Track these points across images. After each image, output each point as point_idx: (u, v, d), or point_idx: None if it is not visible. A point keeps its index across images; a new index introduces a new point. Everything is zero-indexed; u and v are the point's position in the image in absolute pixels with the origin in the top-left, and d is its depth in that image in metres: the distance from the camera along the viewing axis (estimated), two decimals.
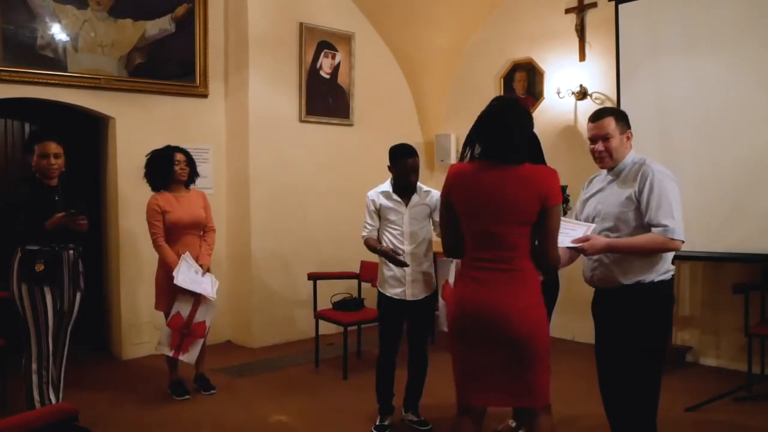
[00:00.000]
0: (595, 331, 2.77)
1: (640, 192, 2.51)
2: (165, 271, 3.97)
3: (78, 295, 3.54)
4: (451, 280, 3.28)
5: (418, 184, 3.54)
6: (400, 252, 3.41)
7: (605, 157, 2.62)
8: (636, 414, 2.61)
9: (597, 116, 2.63)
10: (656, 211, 2.47)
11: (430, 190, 3.58)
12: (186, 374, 4.23)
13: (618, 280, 2.57)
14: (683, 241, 2.50)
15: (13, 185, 3.61)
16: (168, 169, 4.05)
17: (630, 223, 2.54)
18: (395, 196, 3.50)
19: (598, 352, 2.76)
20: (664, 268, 2.58)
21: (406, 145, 3.53)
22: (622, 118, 2.64)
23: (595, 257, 2.60)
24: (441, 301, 3.44)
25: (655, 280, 2.55)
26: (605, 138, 2.59)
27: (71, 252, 3.45)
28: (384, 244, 3.49)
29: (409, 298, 3.49)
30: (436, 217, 3.54)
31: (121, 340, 5.01)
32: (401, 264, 3.39)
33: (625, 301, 2.57)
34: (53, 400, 3.42)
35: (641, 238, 2.50)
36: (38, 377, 3.37)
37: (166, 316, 4.02)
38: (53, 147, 3.41)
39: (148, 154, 4.15)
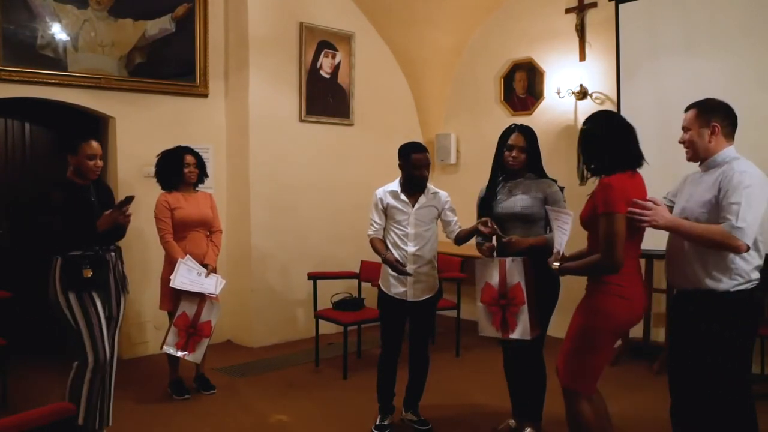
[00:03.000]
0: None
1: (720, 193, 2.40)
2: (171, 269, 3.98)
3: (122, 299, 3.40)
4: (494, 281, 3.13)
5: (428, 185, 3.53)
6: (405, 264, 3.39)
7: (686, 149, 2.59)
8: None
9: (686, 108, 2.62)
10: (728, 207, 2.35)
11: (438, 191, 3.55)
12: (186, 374, 4.24)
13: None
14: (749, 247, 2.35)
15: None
16: (178, 170, 4.09)
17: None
18: (403, 196, 3.48)
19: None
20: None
21: (415, 142, 3.58)
22: (705, 111, 2.54)
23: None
24: (480, 305, 3.23)
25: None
26: (685, 129, 2.58)
27: (113, 254, 3.31)
28: (389, 246, 3.49)
29: (409, 298, 3.48)
30: (445, 217, 3.54)
31: (121, 340, 4.99)
32: (404, 274, 3.39)
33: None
34: (106, 412, 3.25)
35: (703, 225, 2.40)
36: (89, 386, 3.15)
37: (171, 315, 4.03)
38: (98, 147, 3.28)
39: (158, 155, 4.18)
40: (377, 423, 3.58)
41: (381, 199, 3.53)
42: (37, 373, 4.48)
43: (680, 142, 2.60)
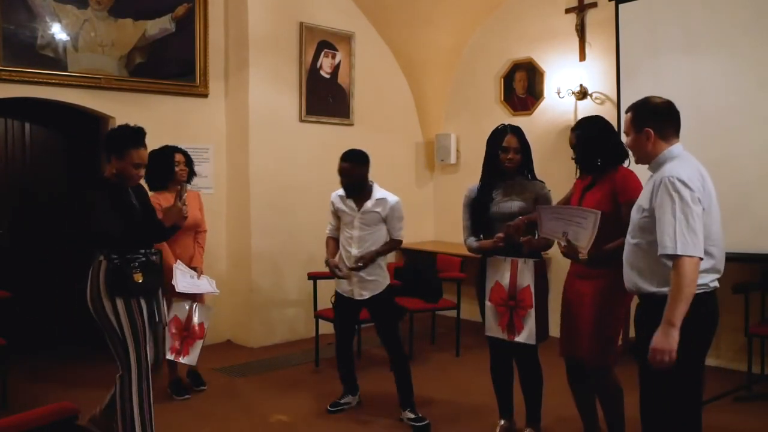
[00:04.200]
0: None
1: (650, 204, 2.33)
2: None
3: (165, 302, 3.30)
4: (505, 281, 3.13)
5: (379, 189, 3.68)
6: (342, 270, 3.69)
7: (632, 153, 2.55)
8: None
9: (627, 109, 2.56)
10: (658, 232, 2.26)
11: (386, 197, 3.66)
12: (185, 373, 4.24)
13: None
14: (701, 258, 2.21)
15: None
16: (169, 169, 4.05)
17: (646, 234, 2.36)
18: (349, 201, 3.69)
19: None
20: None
21: (347, 150, 3.69)
22: (638, 117, 2.48)
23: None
24: (488, 304, 3.19)
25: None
26: (625, 134, 2.52)
27: (155, 258, 3.09)
28: (340, 247, 3.78)
29: (356, 297, 3.71)
30: (388, 223, 3.68)
31: None
32: (337, 276, 3.73)
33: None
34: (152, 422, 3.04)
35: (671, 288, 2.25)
36: (139, 395, 2.96)
37: None
38: (146, 155, 3.06)
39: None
40: (334, 400, 3.90)
41: (332, 202, 3.83)
42: (37, 373, 4.48)
43: (625, 145, 2.60)
